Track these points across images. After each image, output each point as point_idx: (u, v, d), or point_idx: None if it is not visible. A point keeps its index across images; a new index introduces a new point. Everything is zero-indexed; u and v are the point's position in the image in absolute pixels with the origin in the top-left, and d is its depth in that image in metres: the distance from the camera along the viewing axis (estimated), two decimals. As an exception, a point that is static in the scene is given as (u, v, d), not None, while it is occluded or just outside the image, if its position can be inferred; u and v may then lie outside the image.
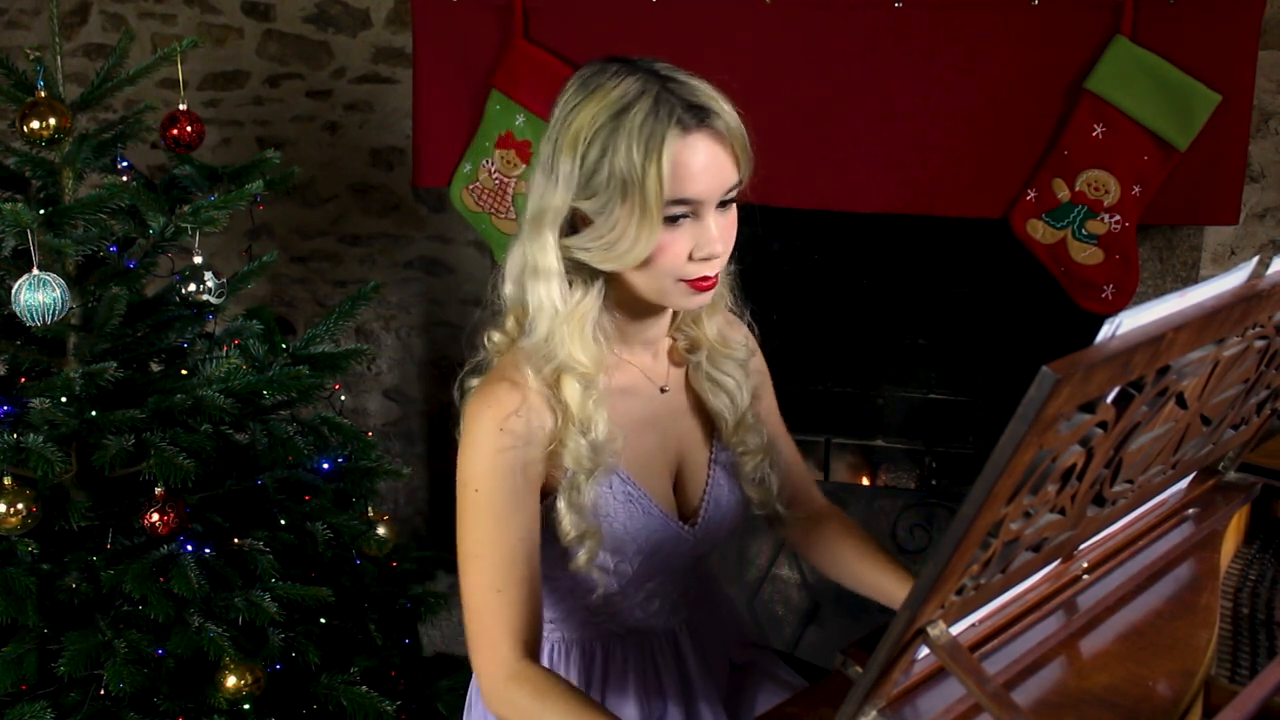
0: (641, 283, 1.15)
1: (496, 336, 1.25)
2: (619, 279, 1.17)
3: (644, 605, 1.33)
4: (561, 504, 1.19)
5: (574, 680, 1.34)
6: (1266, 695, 1.00)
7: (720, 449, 1.34)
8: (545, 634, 1.35)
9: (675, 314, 1.29)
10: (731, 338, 1.33)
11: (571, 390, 1.16)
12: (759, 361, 1.40)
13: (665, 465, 1.30)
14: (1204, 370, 0.91)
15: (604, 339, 1.20)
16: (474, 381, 1.23)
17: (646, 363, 1.28)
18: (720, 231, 1.13)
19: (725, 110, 1.12)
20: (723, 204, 1.14)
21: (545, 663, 1.35)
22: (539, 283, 1.16)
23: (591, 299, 1.17)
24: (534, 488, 1.18)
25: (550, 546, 1.22)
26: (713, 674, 1.41)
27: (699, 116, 1.09)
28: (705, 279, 1.14)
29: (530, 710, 1.09)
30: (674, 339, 1.32)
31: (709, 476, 1.33)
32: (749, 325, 1.38)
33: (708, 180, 1.10)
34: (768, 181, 1.18)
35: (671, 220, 1.11)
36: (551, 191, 1.13)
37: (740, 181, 1.14)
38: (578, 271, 1.17)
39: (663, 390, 1.29)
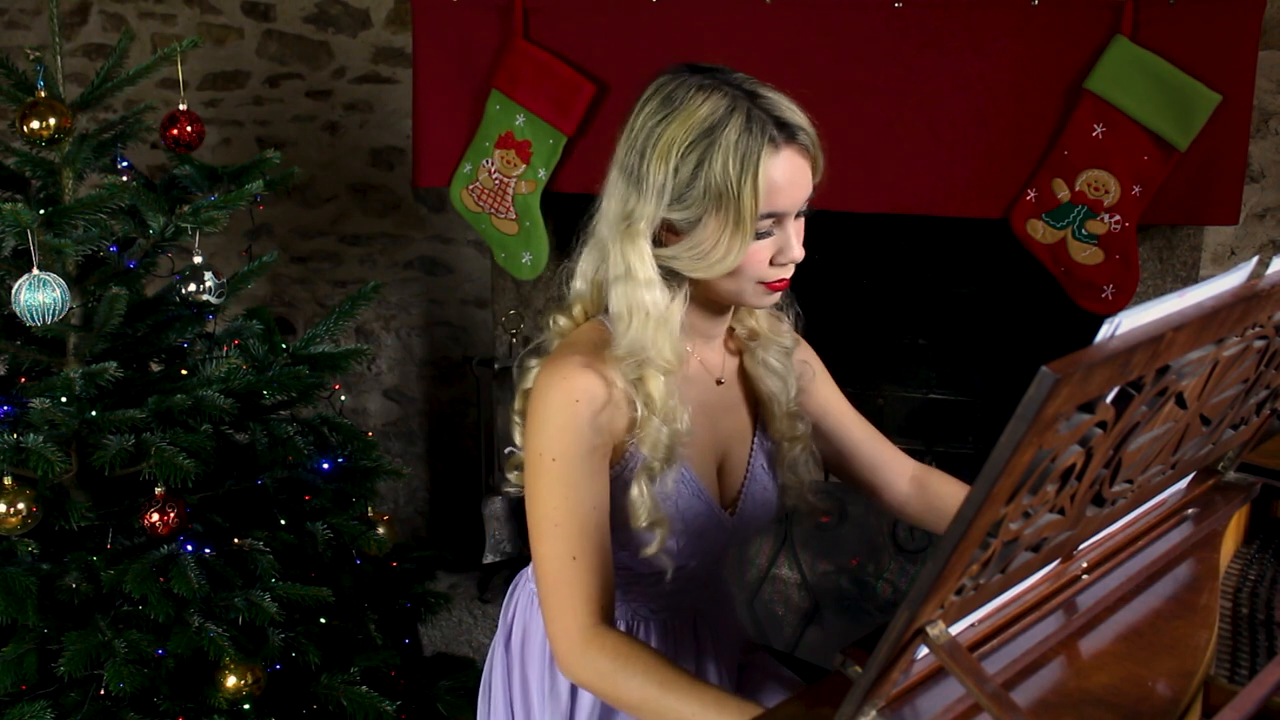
0: (724, 286, 1.20)
1: (562, 321, 1.29)
2: (700, 281, 1.21)
3: (673, 588, 1.35)
4: (635, 490, 1.22)
5: None
6: (1266, 695, 1.00)
7: (764, 439, 1.38)
8: None
9: (735, 309, 1.33)
10: (778, 329, 1.39)
11: (656, 384, 1.20)
12: (805, 351, 1.45)
13: (713, 454, 1.34)
14: (1204, 370, 0.91)
15: (682, 335, 1.24)
16: (533, 361, 1.28)
17: (705, 354, 1.33)
18: (799, 238, 1.19)
19: (806, 124, 1.17)
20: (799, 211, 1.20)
21: None
22: (639, 289, 1.19)
23: (679, 302, 1.22)
24: (606, 464, 1.21)
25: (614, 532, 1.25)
26: (724, 663, 1.44)
27: (788, 133, 1.15)
28: (782, 280, 1.21)
29: (609, 672, 1.11)
30: (733, 328, 1.36)
31: (749, 468, 1.37)
32: (796, 317, 1.43)
33: (793, 193, 1.16)
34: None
35: (762, 233, 1.16)
36: (640, 200, 1.17)
37: (814, 190, 1.20)
38: (665, 277, 1.21)
39: (719, 382, 1.33)
